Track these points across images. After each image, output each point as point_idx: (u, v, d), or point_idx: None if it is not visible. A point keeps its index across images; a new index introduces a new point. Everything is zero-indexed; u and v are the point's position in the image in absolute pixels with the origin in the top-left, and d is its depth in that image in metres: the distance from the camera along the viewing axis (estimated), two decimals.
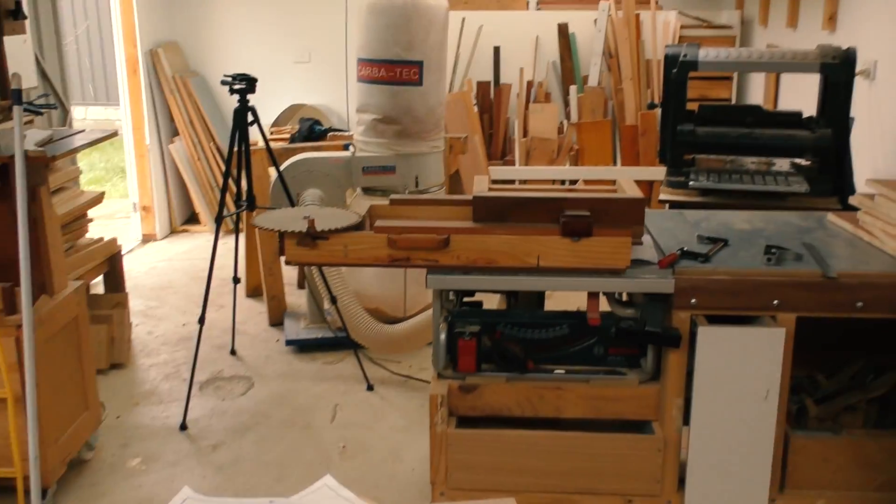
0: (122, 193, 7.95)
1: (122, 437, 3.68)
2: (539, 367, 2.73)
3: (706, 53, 3.68)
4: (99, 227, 6.53)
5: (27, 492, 2.91)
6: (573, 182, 6.40)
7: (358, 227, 2.57)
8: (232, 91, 3.79)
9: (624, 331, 2.58)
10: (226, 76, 3.82)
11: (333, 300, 4.13)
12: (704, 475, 2.65)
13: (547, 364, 2.75)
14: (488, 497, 2.72)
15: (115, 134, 3.30)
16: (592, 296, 2.61)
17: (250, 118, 3.85)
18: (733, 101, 6.61)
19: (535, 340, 2.72)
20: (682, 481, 2.69)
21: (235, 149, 3.90)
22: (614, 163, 6.56)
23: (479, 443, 2.69)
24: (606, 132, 6.50)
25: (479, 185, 2.68)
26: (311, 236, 2.49)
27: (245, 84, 3.79)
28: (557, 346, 2.72)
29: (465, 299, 2.98)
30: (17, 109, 2.61)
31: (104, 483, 3.33)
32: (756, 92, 6.33)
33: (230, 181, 3.96)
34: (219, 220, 3.85)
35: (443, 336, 2.67)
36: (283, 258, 2.58)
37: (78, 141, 3.10)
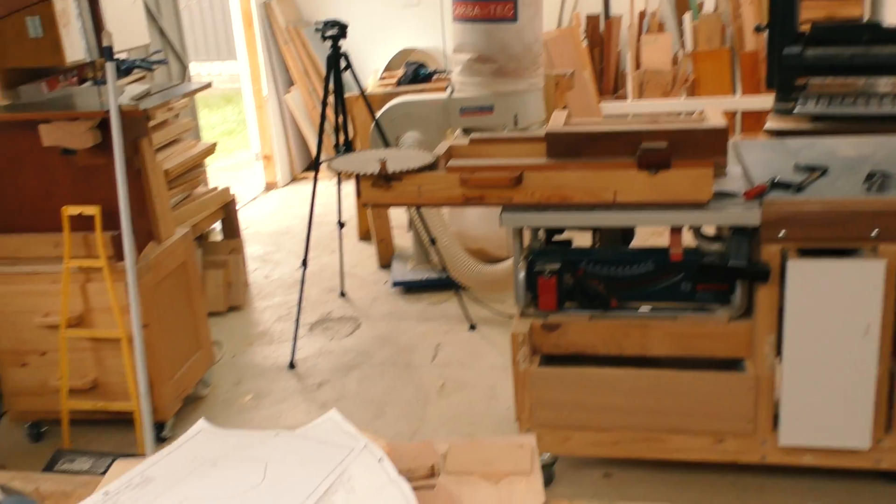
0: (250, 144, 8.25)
1: (235, 375, 3.88)
2: (623, 304, 2.67)
3: None
4: (227, 176, 6.85)
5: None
6: (689, 115, 6.14)
7: (432, 167, 2.56)
8: (324, 38, 3.83)
9: (707, 266, 2.48)
10: (317, 23, 3.86)
11: (433, 241, 4.16)
12: (801, 415, 2.54)
13: (632, 301, 2.69)
14: (575, 432, 2.71)
15: (208, 85, 3.42)
16: (675, 231, 2.52)
17: (344, 64, 3.89)
18: (865, 20, 6.12)
19: (619, 277, 2.66)
20: (776, 419, 2.59)
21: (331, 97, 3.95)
22: (734, 93, 6.24)
23: (561, 380, 2.67)
24: (724, 61, 6.18)
25: (555, 121, 2.61)
26: (385, 178, 2.51)
27: (337, 30, 3.82)
28: (641, 283, 2.65)
29: (555, 238, 2.95)
30: (109, 66, 2.74)
31: (218, 418, 3.53)
32: (892, 8, 5.83)
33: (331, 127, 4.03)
34: (316, 166, 3.94)
35: (522, 274, 2.65)
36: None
37: (172, 94, 3.23)
